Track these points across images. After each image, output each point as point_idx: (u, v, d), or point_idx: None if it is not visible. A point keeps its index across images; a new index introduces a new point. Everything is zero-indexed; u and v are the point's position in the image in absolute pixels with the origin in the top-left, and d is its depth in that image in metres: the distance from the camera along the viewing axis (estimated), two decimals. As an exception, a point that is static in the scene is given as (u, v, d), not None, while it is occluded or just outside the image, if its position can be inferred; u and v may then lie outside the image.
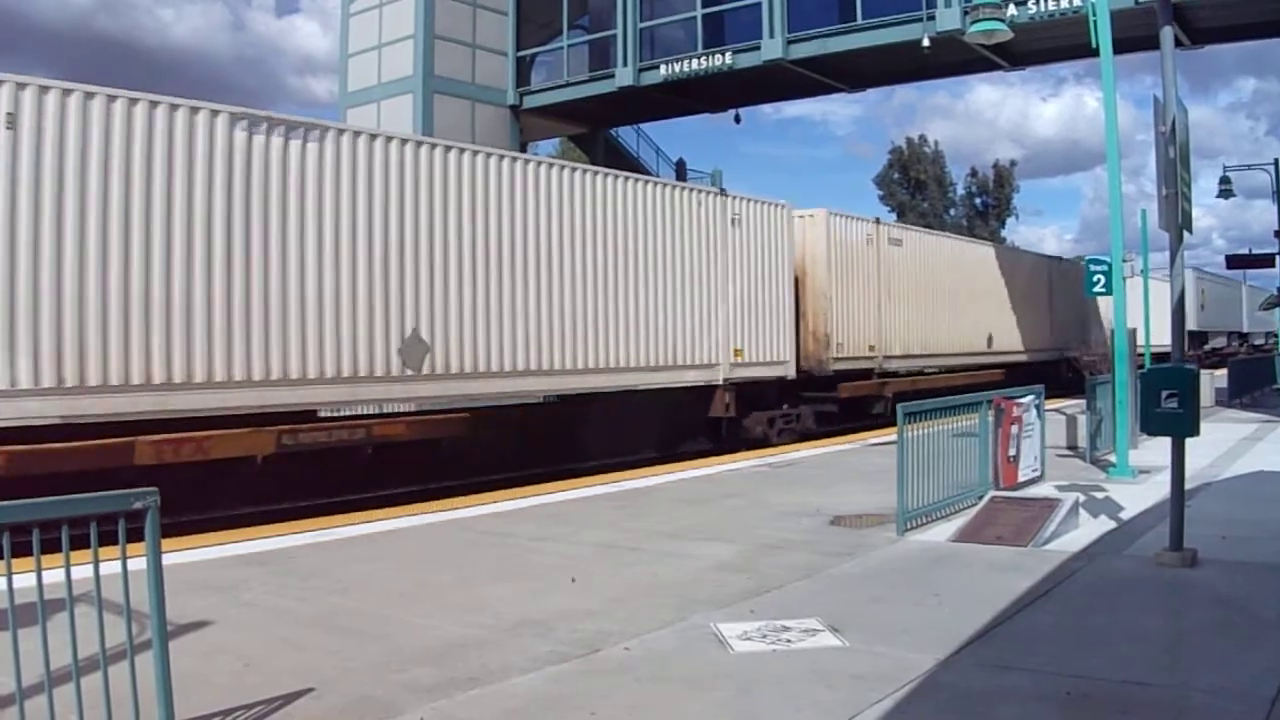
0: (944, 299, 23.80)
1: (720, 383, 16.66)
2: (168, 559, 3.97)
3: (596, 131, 32.57)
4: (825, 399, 19.43)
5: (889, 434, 9.69)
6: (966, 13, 20.12)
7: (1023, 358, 28.11)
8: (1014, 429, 9.86)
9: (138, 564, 3.53)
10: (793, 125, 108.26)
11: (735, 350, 16.92)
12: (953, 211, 76.27)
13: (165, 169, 9.91)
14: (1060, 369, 30.12)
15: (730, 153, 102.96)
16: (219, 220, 10.33)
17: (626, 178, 15.47)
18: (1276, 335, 40.75)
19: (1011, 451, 9.82)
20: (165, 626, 3.72)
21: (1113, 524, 8.62)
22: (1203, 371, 15.11)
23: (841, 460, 13.94)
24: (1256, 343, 57.00)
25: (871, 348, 20.86)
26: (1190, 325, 46.05)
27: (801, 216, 19.42)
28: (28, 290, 8.95)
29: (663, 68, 27.00)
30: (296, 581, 6.96)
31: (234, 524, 9.62)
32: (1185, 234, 7.84)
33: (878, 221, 21.86)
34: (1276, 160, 27.59)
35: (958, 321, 24.55)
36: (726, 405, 16.72)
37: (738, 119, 31.81)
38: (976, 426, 9.67)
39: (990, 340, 26.38)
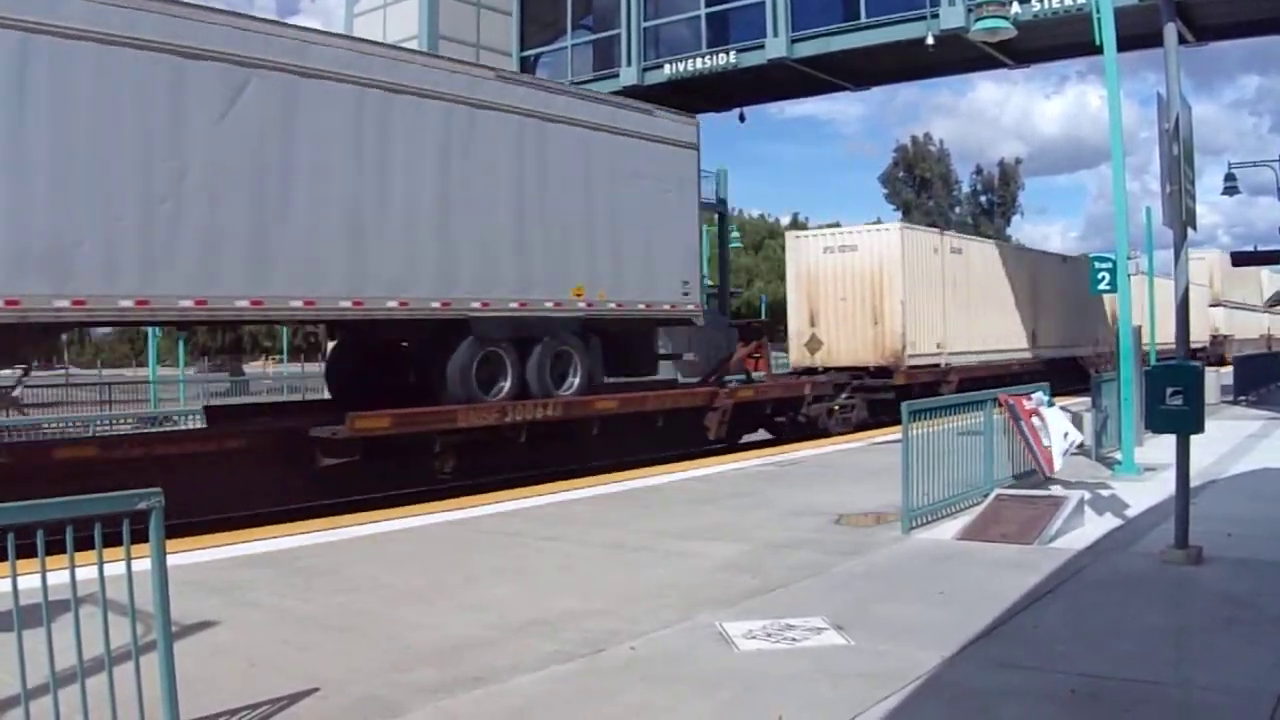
0: (993, 301, 26.18)
1: None
2: (172, 560, 3.98)
3: (601, 131, 32.56)
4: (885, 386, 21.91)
5: (894, 432, 9.68)
6: (970, 10, 20.14)
7: (1057, 353, 29.96)
8: (1036, 420, 9.86)
9: (142, 565, 3.54)
10: (798, 124, 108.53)
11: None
12: (958, 209, 76.21)
13: None
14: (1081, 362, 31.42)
15: (736, 151, 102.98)
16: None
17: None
18: None
19: (1046, 441, 9.82)
20: (170, 627, 3.73)
21: (1118, 521, 8.60)
22: (1208, 368, 15.10)
23: (847, 459, 13.93)
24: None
25: (938, 345, 23.55)
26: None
27: (879, 230, 23.27)
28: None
29: (667, 67, 26.96)
30: (302, 582, 6.98)
31: (239, 524, 9.63)
32: (1190, 231, 7.84)
33: (941, 231, 24.04)
34: (1282, 156, 27.50)
35: (1004, 321, 26.90)
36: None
37: (742, 118, 31.69)
38: (981, 424, 9.66)
39: (1034, 337, 28.57)
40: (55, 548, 3.41)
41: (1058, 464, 9.95)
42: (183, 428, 19.35)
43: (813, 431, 19.24)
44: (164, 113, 10.57)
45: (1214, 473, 10.94)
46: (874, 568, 7.17)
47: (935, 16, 22.72)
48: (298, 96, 11.63)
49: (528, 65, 29.49)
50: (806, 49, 25.04)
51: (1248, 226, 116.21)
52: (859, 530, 8.51)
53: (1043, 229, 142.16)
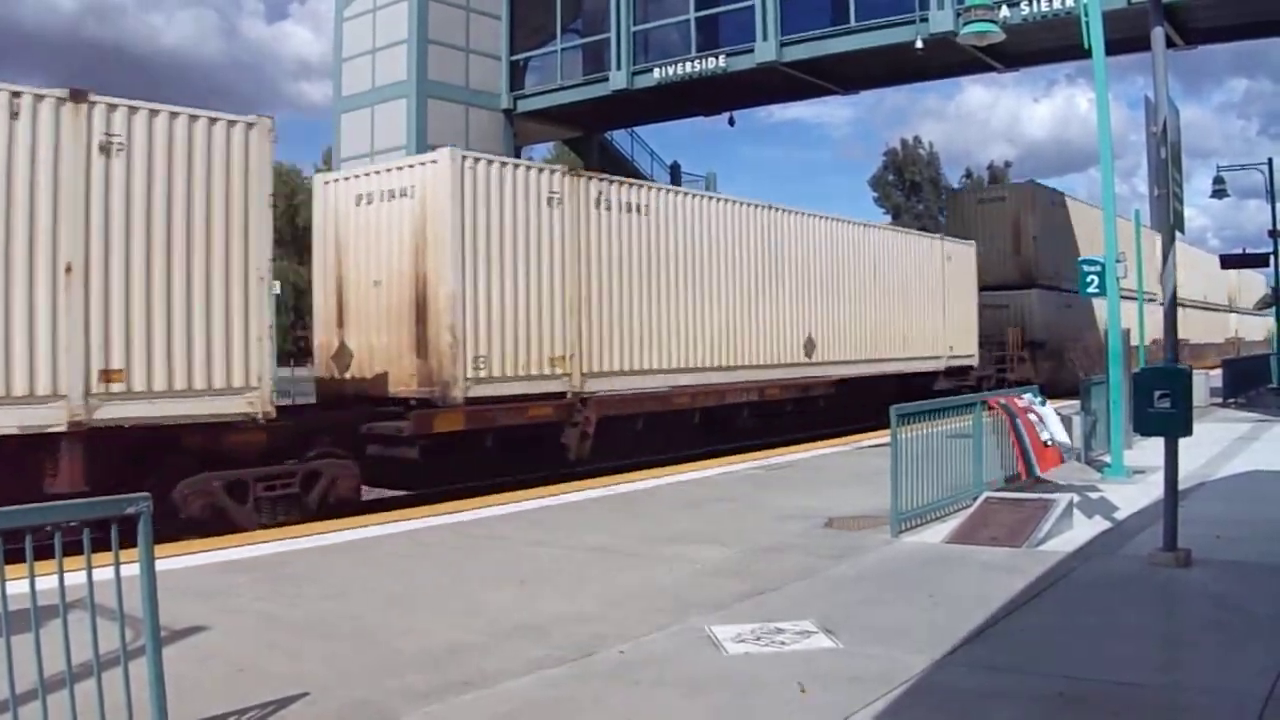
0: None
1: None
2: (161, 565, 3.97)
3: (591, 135, 32.56)
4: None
5: (883, 436, 9.69)
6: (959, 14, 20.18)
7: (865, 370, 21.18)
8: (1033, 418, 9.84)
9: (131, 570, 3.53)
10: (787, 128, 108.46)
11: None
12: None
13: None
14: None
15: (725, 156, 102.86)
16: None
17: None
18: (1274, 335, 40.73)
19: (1045, 437, 9.78)
20: (159, 632, 3.71)
21: (1107, 524, 8.63)
22: (1197, 371, 15.17)
23: (836, 462, 13.94)
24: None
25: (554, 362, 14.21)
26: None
27: (420, 164, 13.55)
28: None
29: (656, 71, 26.98)
30: (291, 587, 6.95)
31: (228, 530, 9.61)
32: (1178, 234, 7.87)
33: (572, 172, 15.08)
34: (1270, 160, 27.65)
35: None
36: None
37: (731, 121, 31.87)
38: (970, 428, 9.69)
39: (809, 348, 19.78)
40: (43, 553, 3.40)
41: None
42: None
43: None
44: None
45: (1203, 475, 10.99)
46: (863, 571, 7.18)
47: (924, 20, 22.81)
48: None
49: (517, 69, 29.51)
50: (796, 53, 25.10)
51: (1237, 229, 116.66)
52: (848, 534, 8.52)
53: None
